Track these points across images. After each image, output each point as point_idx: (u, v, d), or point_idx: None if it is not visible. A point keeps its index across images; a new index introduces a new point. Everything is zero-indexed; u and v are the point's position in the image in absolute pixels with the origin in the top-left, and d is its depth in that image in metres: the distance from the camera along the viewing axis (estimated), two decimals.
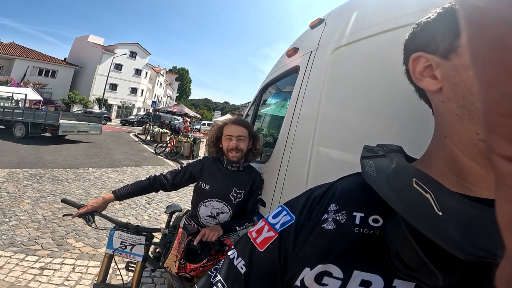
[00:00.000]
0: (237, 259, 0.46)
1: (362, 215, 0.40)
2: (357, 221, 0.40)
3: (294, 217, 0.45)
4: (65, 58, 36.87)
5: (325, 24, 1.39)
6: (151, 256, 1.89)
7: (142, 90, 42.37)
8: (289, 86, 1.73)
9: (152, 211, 4.45)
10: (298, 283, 0.39)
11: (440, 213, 0.31)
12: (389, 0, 1.05)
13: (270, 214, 0.50)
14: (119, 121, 30.96)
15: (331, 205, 0.43)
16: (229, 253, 0.48)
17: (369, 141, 0.66)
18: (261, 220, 0.50)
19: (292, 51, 1.67)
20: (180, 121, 16.32)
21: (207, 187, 1.58)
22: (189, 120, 16.41)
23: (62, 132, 10.45)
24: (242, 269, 0.44)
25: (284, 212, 0.47)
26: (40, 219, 3.68)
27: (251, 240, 0.47)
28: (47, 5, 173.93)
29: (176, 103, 42.38)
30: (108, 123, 25.20)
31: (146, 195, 2.04)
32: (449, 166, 0.38)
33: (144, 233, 1.59)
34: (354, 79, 1.04)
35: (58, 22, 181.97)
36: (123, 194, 1.58)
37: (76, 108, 28.61)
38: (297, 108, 1.36)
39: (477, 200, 0.32)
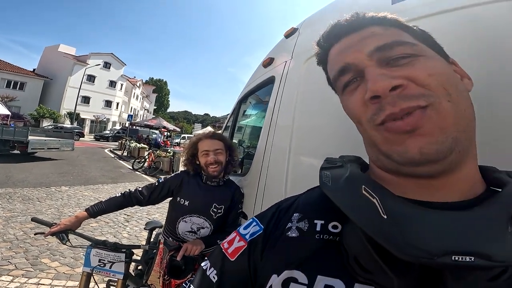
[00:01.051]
0: (209, 269, 0.48)
1: (323, 222, 0.43)
2: (318, 228, 0.42)
3: (263, 227, 0.48)
4: (34, 69, 35.02)
5: (299, 33, 1.40)
6: (133, 274, 1.85)
7: (117, 103, 41.04)
8: (267, 96, 1.70)
9: (131, 228, 4.32)
10: None
11: (385, 217, 0.33)
12: (366, 5, 1.07)
13: (241, 225, 0.53)
14: (92, 137, 29.76)
15: (294, 214, 0.46)
16: (202, 264, 0.50)
17: (344, 147, 0.73)
18: (233, 231, 0.53)
19: (268, 61, 1.67)
20: (158, 134, 16.03)
21: (186, 202, 1.56)
22: (166, 131, 16.14)
23: (31, 149, 9.92)
24: (214, 278, 0.46)
25: (254, 223, 0.50)
26: (12, 238, 3.54)
27: (223, 250, 0.49)
28: (15, 11, 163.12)
29: (153, 116, 41.45)
30: (81, 138, 24.18)
31: (124, 212, 2.00)
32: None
33: (123, 250, 1.56)
34: (327, 87, 1.15)
35: (27, 30, 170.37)
36: (96, 211, 1.54)
37: (46, 123, 27.08)
38: (274, 118, 1.36)
39: (412, 201, 0.36)
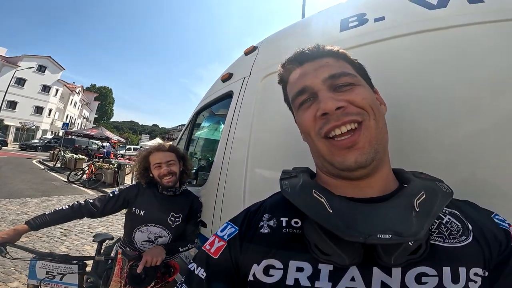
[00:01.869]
0: (197, 269, 0.55)
1: (287, 219, 0.53)
2: (284, 224, 0.52)
3: (238, 228, 0.57)
4: None
5: (258, 52, 1.47)
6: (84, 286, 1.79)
7: (50, 110, 36.88)
8: (223, 109, 1.76)
9: (71, 243, 3.95)
10: (251, 277, 0.49)
11: (331, 211, 0.45)
12: (318, 30, 1.20)
13: (218, 229, 0.61)
14: (18, 146, 25.84)
15: (264, 215, 0.56)
16: (189, 266, 0.57)
17: (294, 158, 0.84)
18: (212, 235, 0.60)
19: (227, 76, 1.71)
20: (107, 145, 14.85)
21: (142, 212, 1.56)
22: (117, 142, 15.16)
23: None
24: (203, 275, 0.53)
25: (229, 226, 0.59)
26: None
27: (206, 251, 0.57)
28: None
29: (94, 125, 37.86)
30: (3, 147, 21.10)
31: (60, 226, 1.86)
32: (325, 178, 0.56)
33: (74, 261, 1.52)
34: (282, 104, 1.18)
35: None
36: (39, 223, 1.45)
37: None
38: (231, 132, 1.41)
39: (349, 199, 0.49)
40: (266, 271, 0.48)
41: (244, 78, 1.45)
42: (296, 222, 0.52)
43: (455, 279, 0.42)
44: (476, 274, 0.43)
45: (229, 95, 1.60)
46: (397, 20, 0.91)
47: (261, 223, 0.54)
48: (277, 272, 0.47)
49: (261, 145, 1.21)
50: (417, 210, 0.44)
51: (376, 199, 0.50)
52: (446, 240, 0.46)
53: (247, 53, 1.56)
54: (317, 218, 0.44)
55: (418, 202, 0.45)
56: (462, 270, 0.43)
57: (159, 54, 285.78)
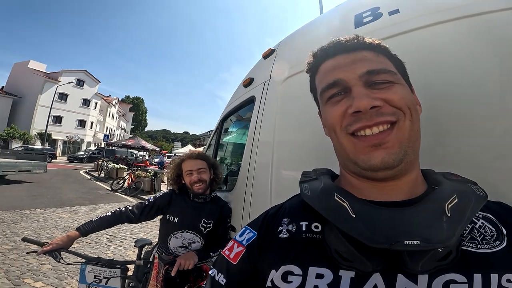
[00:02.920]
0: (217, 275, 0.54)
1: (307, 223, 0.51)
2: (304, 229, 0.50)
3: (256, 233, 0.55)
4: (2, 87, 32.61)
5: (276, 54, 1.47)
6: None
7: (92, 123, 39.19)
8: (248, 114, 1.77)
9: (115, 248, 4.27)
10: (269, 283, 0.47)
11: (354, 216, 0.42)
12: (333, 29, 1.16)
13: (236, 234, 0.60)
14: (66, 158, 28.23)
15: (283, 219, 0.54)
16: (209, 272, 0.57)
17: (318, 159, 0.82)
18: (231, 240, 0.59)
19: (248, 81, 1.73)
20: (160, 156, 15.91)
21: (176, 219, 1.64)
22: (167, 152, 16.32)
23: (2, 171, 9.38)
24: (223, 281, 0.53)
25: (248, 231, 0.57)
26: None
27: (225, 257, 0.56)
28: None
29: (131, 135, 40.16)
30: (53, 160, 23.04)
31: (107, 232, 1.96)
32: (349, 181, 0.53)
33: (118, 266, 1.62)
34: (304, 105, 1.03)
35: None
36: (88, 229, 1.57)
37: (15, 145, 25.48)
38: (256, 136, 1.42)
39: (373, 202, 0.45)
40: (284, 277, 0.46)
41: (265, 82, 1.46)
42: (316, 227, 0.50)
43: (486, 286, 0.40)
44: (508, 281, 0.40)
45: (251, 100, 1.61)
46: (413, 12, 0.85)
47: (280, 228, 0.53)
48: (295, 279, 0.45)
49: (285, 148, 1.22)
50: (449, 215, 0.41)
51: (403, 203, 0.46)
52: (478, 246, 0.43)
53: (265, 56, 1.57)
54: (339, 223, 0.42)
55: (449, 206, 0.41)
56: (493, 277, 0.40)
57: (182, 62, 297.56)
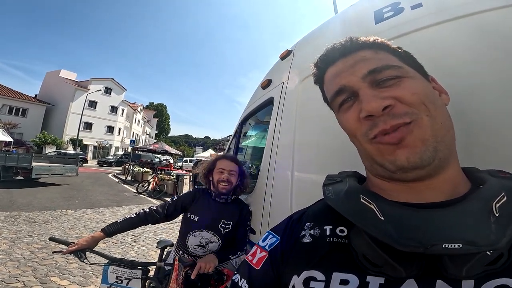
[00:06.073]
0: (240, 280, 0.54)
1: (331, 227, 0.49)
2: (328, 233, 0.48)
3: (279, 238, 0.55)
4: (36, 95, 34.57)
5: (293, 55, 1.45)
6: None
7: (119, 129, 40.85)
8: (267, 116, 1.75)
9: (139, 248, 4.40)
10: None
11: (382, 218, 0.39)
12: (352, 26, 1.14)
13: (260, 239, 0.59)
14: (96, 162, 29.73)
15: (306, 224, 0.53)
16: (233, 277, 0.57)
17: (341, 161, 0.80)
18: (254, 245, 0.59)
19: (266, 83, 1.73)
20: (194, 160, 16.51)
21: (196, 218, 1.66)
22: (195, 158, 16.89)
23: (35, 175, 10.03)
24: (245, 287, 0.53)
25: (271, 236, 0.57)
26: (19, 258, 3.61)
27: (248, 262, 0.56)
28: (14, 36, 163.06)
29: (155, 141, 41.53)
30: (84, 164, 24.29)
31: (131, 233, 1.98)
32: (376, 182, 0.49)
33: (139, 267, 1.63)
34: (323, 105, 1.12)
35: (26, 55, 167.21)
36: (112, 230, 1.61)
37: (48, 150, 26.94)
38: (275, 138, 1.40)
39: (403, 204, 0.42)
40: (306, 283, 0.44)
41: (283, 83, 1.45)
42: (341, 231, 0.48)
43: None
44: None
45: (270, 102, 1.60)
46: (439, 4, 0.81)
47: (303, 232, 0.52)
48: (318, 285, 0.43)
49: (305, 149, 1.19)
50: (497, 214, 0.36)
51: (443, 204, 0.41)
52: None
53: (282, 57, 1.57)
54: (365, 226, 0.40)
55: (497, 205, 0.37)
56: None
57: (202, 69, 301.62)
